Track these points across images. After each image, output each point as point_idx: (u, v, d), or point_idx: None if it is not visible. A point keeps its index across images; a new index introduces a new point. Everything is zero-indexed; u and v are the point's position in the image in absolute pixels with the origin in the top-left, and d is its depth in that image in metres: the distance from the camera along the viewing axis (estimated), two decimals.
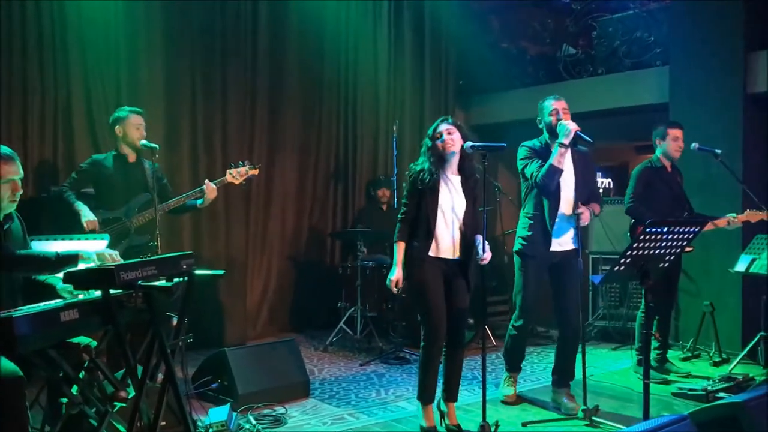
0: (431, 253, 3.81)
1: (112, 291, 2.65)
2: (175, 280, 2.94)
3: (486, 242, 3.80)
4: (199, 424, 3.73)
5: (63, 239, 3.75)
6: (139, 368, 2.90)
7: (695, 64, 6.14)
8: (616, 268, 3.21)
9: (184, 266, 3.03)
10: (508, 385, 4.57)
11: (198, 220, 6.06)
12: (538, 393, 4.74)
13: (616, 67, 7.17)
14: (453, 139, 3.84)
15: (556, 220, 4.20)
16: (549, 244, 4.20)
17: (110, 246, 4.33)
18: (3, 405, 2.72)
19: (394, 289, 3.85)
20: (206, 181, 4.77)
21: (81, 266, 2.95)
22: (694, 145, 5.12)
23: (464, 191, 3.88)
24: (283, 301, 6.84)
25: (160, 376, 3.04)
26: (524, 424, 4.07)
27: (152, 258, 2.90)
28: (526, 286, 4.30)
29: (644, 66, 6.91)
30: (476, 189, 3.93)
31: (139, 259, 2.82)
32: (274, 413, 4.23)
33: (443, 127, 3.87)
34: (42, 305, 2.70)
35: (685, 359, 5.72)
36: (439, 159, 3.86)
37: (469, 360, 5.40)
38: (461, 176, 3.90)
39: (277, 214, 6.78)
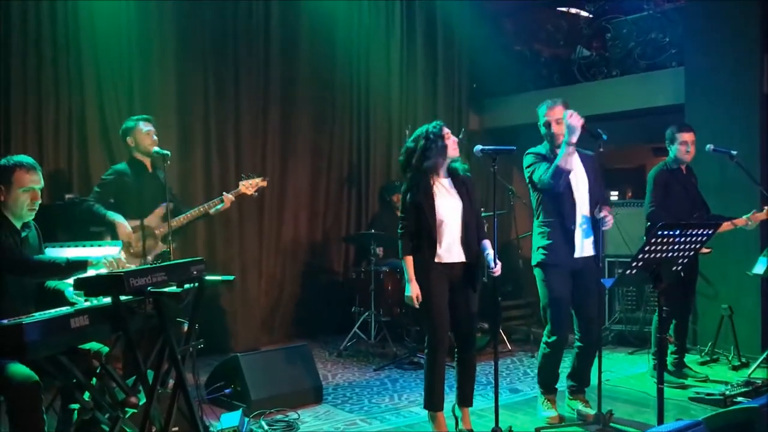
0: (437, 260, 3.78)
1: (122, 297, 2.67)
2: (186, 286, 2.95)
3: (495, 253, 3.77)
4: (212, 429, 3.74)
5: (76, 246, 3.79)
6: (151, 373, 2.91)
7: (710, 65, 6.07)
8: (628, 271, 3.17)
9: (195, 272, 3.03)
10: (547, 408, 4.25)
11: (212, 226, 6.08)
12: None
13: (630, 69, 7.11)
14: (455, 142, 3.86)
15: (578, 223, 4.10)
16: (573, 249, 4.05)
17: (142, 256, 4.39)
18: (20, 410, 2.76)
19: (416, 304, 3.80)
20: (224, 193, 4.82)
21: (90, 272, 2.97)
22: (710, 147, 5.05)
23: (458, 192, 3.86)
24: (296, 306, 6.84)
25: (172, 382, 3.05)
26: (538, 430, 4.02)
27: (162, 264, 2.91)
28: (555, 297, 4.08)
29: (659, 67, 6.84)
30: (469, 188, 3.89)
31: (148, 266, 2.84)
32: (286, 419, 4.23)
33: (447, 130, 3.86)
34: (53, 312, 2.73)
35: (703, 363, 5.65)
36: (435, 164, 3.83)
37: (484, 365, 5.39)
38: (450, 178, 3.88)
39: (290, 219, 6.80)
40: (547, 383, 4.28)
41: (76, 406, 3.11)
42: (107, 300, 2.70)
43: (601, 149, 4.16)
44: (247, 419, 4.00)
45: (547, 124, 4.12)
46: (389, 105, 7.45)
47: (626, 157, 9.75)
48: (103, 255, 3.16)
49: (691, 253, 3.33)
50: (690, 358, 5.50)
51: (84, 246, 3.98)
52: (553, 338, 4.12)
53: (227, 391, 4.35)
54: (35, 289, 3.25)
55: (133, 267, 3.04)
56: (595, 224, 4.13)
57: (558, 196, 4.04)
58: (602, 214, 4.04)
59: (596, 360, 4.05)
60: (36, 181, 3.20)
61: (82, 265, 3.01)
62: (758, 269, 5.16)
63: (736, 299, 5.75)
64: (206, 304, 5.82)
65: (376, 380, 5.27)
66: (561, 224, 4.08)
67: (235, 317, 6.20)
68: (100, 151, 5.50)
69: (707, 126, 5.62)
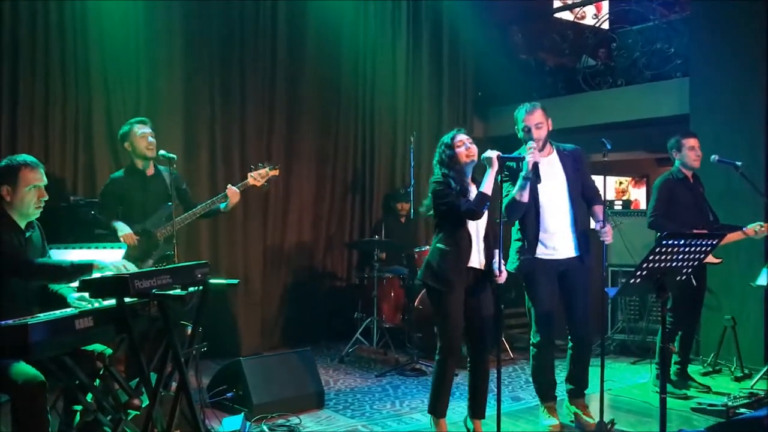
0: (460, 264, 3.75)
1: (126, 299, 2.68)
2: (190, 289, 2.96)
3: (500, 260, 3.76)
4: None
5: (81, 248, 3.79)
6: (154, 376, 2.92)
7: (716, 76, 6.07)
8: (632, 280, 3.17)
9: (199, 275, 3.04)
10: (547, 417, 4.22)
11: (216, 230, 6.10)
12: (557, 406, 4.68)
13: (635, 79, 7.12)
14: (474, 149, 3.82)
15: (550, 226, 4.07)
16: (535, 251, 4.06)
17: (144, 259, 4.40)
18: (25, 410, 2.77)
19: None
20: (228, 185, 4.75)
21: (95, 275, 2.98)
22: (714, 157, 5.05)
23: None
24: (299, 311, 6.84)
25: (174, 385, 3.06)
26: None
27: (167, 267, 2.92)
28: (535, 297, 4.14)
29: (664, 77, 6.85)
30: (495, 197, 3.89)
31: (153, 268, 2.84)
32: (288, 423, 4.23)
33: (463, 137, 3.85)
34: (58, 313, 2.74)
35: (706, 374, 5.63)
36: (459, 169, 3.83)
37: None
38: (475, 185, 3.88)
39: (294, 224, 6.81)
40: (544, 390, 4.26)
41: (79, 407, 3.12)
42: (112, 302, 2.71)
43: (606, 158, 4.18)
44: (248, 423, 4.01)
45: (527, 129, 4.06)
46: (394, 111, 7.46)
47: (630, 166, 9.76)
48: (110, 261, 3.17)
49: (696, 263, 3.32)
50: (692, 369, 5.49)
51: (89, 248, 3.99)
52: (537, 338, 4.16)
53: (229, 395, 4.34)
54: (38, 291, 3.26)
55: (138, 269, 3.05)
56: (579, 222, 4.10)
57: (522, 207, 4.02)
58: (600, 228, 4.03)
59: (599, 369, 4.04)
60: (40, 178, 3.23)
61: (87, 268, 3.01)
62: (762, 281, 5.15)
63: (739, 310, 5.74)
64: (210, 308, 5.84)
65: (378, 386, 5.27)
66: (526, 233, 4.10)
67: (238, 321, 6.20)
68: (106, 153, 5.53)
69: (712, 137, 5.61)
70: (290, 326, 6.77)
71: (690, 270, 3.32)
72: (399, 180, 7.43)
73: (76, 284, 2.88)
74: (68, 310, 2.77)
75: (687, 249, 3.19)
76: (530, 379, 5.35)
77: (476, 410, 3.92)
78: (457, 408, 4.43)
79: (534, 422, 4.35)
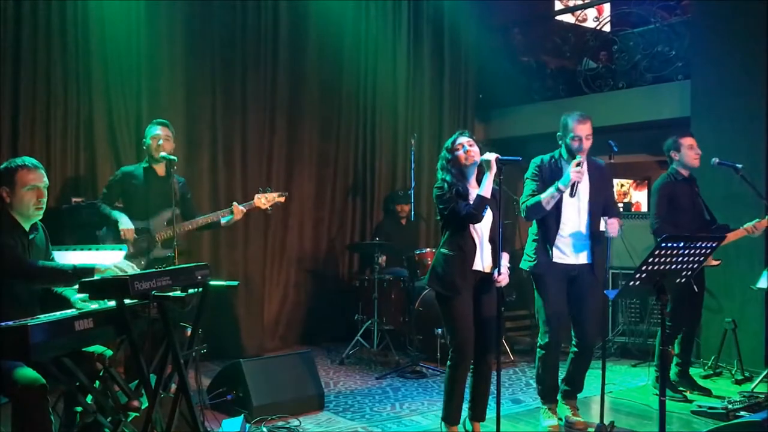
0: (465, 268, 3.75)
1: (126, 301, 2.69)
2: (190, 290, 2.97)
3: (500, 263, 3.75)
4: None
5: (81, 249, 3.81)
6: (154, 377, 2.92)
7: (717, 79, 6.07)
8: (631, 283, 3.17)
9: (199, 277, 3.04)
10: (548, 417, 4.26)
11: (217, 232, 6.08)
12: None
13: (636, 81, 7.14)
14: (474, 151, 3.82)
15: (568, 233, 4.15)
16: (550, 254, 4.15)
17: (137, 257, 4.42)
18: (26, 412, 2.77)
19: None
20: (234, 203, 4.84)
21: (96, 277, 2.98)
22: (714, 160, 5.04)
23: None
24: (300, 313, 6.85)
25: (174, 386, 3.06)
26: None
27: (167, 268, 2.92)
28: (545, 299, 4.19)
29: (665, 80, 6.86)
30: (497, 198, 3.88)
31: (153, 270, 2.85)
32: (287, 425, 4.23)
33: (463, 139, 3.85)
34: (58, 314, 2.74)
35: (706, 377, 5.62)
36: (460, 172, 3.83)
37: None
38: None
39: (295, 226, 6.82)
40: (547, 391, 4.28)
41: (79, 408, 3.12)
42: (112, 303, 2.72)
43: (612, 160, 4.20)
44: (248, 425, 4.01)
45: (577, 139, 4.11)
46: (395, 114, 7.47)
47: (631, 169, 9.76)
48: (111, 264, 3.17)
49: (695, 265, 3.32)
50: (693, 372, 5.48)
51: (89, 250, 4.01)
52: (546, 339, 4.20)
53: (229, 396, 4.35)
54: (42, 292, 3.27)
55: (138, 271, 3.06)
56: (594, 234, 4.18)
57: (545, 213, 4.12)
58: (604, 228, 4.07)
59: (600, 371, 4.04)
60: (39, 179, 3.22)
61: (88, 272, 3.02)
62: (762, 283, 5.14)
63: (739, 313, 5.73)
64: (211, 310, 5.85)
65: (378, 388, 5.27)
66: (544, 236, 4.19)
67: (239, 323, 6.20)
68: (108, 154, 5.54)
69: (713, 139, 5.61)
70: (291, 328, 6.78)
71: (690, 273, 3.32)
72: (400, 182, 7.43)
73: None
74: (68, 312, 2.78)
75: (686, 251, 3.19)
76: (530, 382, 5.40)
77: (476, 412, 3.91)
78: None
79: (534, 424, 4.35)
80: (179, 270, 2.96)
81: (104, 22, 5.48)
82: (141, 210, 4.65)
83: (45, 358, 2.57)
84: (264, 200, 4.92)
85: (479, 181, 3.85)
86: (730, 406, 4.47)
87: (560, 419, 4.31)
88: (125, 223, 4.51)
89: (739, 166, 4.95)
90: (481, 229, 3.79)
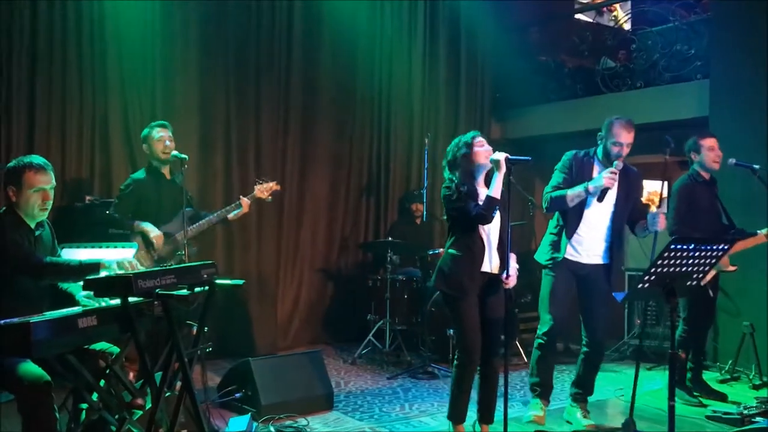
0: (473, 268, 3.72)
1: (131, 299, 2.70)
2: (197, 289, 2.97)
3: (515, 266, 3.72)
4: None
5: (91, 247, 3.83)
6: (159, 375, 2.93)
7: (736, 78, 5.98)
8: (640, 285, 3.12)
9: (205, 275, 3.05)
10: (538, 408, 4.30)
11: (230, 232, 6.13)
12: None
13: (655, 81, 7.04)
14: (482, 151, 3.79)
15: (587, 232, 4.16)
16: (565, 250, 4.19)
17: (167, 260, 4.44)
18: (31, 409, 2.80)
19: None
20: (240, 197, 4.88)
21: (102, 274, 3.00)
22: (731, 161, 4.95)
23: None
24: (313, 313, 6.85)
25: (179, 384, 3.07)
26: None
27: (172, 267, 2.93)
28: (552, 292, 4.24)
29: (684, 79, 6.76)
30: (504, 199, 3.84)
31: (158, 268, 2.86)
32: (295, 425, 4.23)
33: (482, 138, 3.83)
34: (61, 311, 2.76)
35: (723, 381, 5.53)
36: (469, 171, 3.79)
37: None
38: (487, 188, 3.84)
39: (308, 226, 6.82)
40: (537, 384, 4.32)
41: (85, 405, 3.15)
42: (118, 301, 2.73)
43: (668, 157, 4.21)
44: (255, 424, 4.01)
45: (618, 145, 4.09)
46: (411, 114, 7.44)
47: (649, 169, 9.61)
48: (116, 258, 3.19)
49: (707, 268, 3.26)
50: (710, 376, 5.40)
51: (100, 247, 4.03)
52: (546, 327, 4.26)
53: (238, 395, 4.36)
54: (49, 289, 3.29)
55: (143, 269, 3.07)
56: (614, 238, 4.18)
57: (568, 209, 4.17)
58: (649, 222, 4.11)
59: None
60: (46, 181, 3.22)
61: (94, 267, 3.04)
62: None
63: (757, 316, 5.63)
64: (225, 309, 5.89)
65: (389, 389, 5.25)
66: (562, 231, 4.23)
67: (252, 322, 6.22)
68: (122, 154, 5.58)
69: (731, 139, 5.50)
70: (305, 327, 6.79)
71: (700, 276, 3.26)
72: (414, 183, 7.40)
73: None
74: (72, 309, 2.79)
75: (697, 254, 3.13)
76: None
77: (485, 415, 3.88)
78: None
79: (543, 426, 4.31)
80: (185, 268, 2.97)
81: (119, 23, 5.52)
82: (155, 214, 4.62)
83: (47, 355, 2.59)
84: (264, 190, 4.96)
85: (487, 182, 3.82)
86: (745, 412, 4.39)
87: (568, 419, 4.28)
88: (154, 231, 4.51)
89: (757, 167, 4.87)
90: (490, 230, 3.76)
